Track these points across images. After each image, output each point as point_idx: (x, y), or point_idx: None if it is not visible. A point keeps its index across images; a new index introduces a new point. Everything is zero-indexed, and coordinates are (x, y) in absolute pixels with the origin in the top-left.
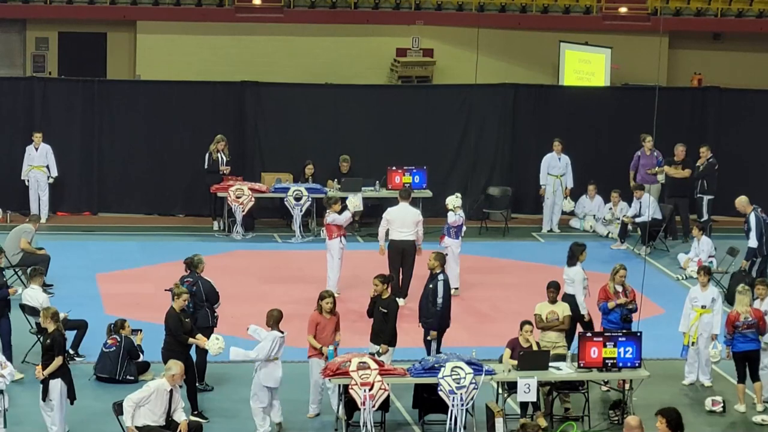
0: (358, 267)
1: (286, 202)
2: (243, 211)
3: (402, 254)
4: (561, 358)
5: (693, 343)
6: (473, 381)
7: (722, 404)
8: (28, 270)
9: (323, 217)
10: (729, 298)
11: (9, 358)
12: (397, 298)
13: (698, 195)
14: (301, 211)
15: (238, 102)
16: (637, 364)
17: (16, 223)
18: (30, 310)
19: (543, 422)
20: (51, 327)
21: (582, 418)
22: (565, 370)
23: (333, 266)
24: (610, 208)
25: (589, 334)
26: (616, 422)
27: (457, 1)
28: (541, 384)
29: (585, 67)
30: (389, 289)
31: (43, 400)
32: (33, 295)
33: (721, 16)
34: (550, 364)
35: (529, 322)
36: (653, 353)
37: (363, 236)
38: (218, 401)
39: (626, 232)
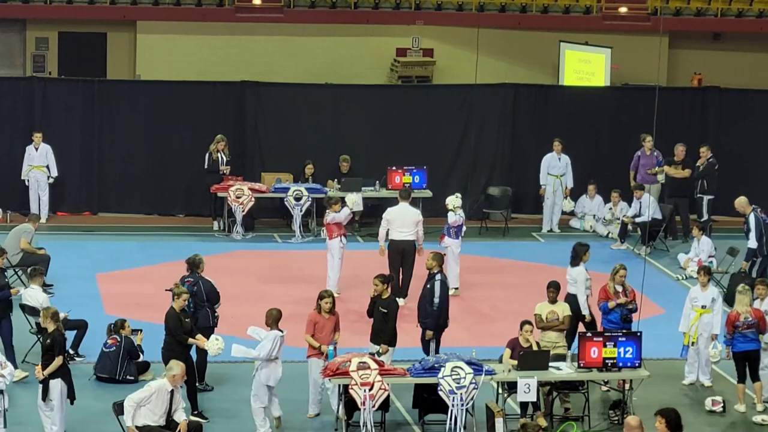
0: (358, 267)
1: (286, 202)
2: (243, 211)
3: (402, 254)
4: (561, 358)
5: (693, 343)
6: (473, 381)
7: (722, 404)
8: (28, 270)
9: (323, 217)
10: (728, 299)
11: (11, 359)
12: (397, 298)
13: (698, 195)
14: (301, 211)
15: (238, 102)
16: (637, 364)
17: (16, 223)
18: (30, 310)
19: (543, 422)
20: (51, 327)
21: (582, 418)
22: (565, 370)
23: (333, 266)
24: (610, 208)
25: (589, 334)
26: (616, 422)
27: (457, 1)
28: (541, 384)
29: (585, 67)
30: (389, 289)
31: (43, 400)
32: (33, 295)
33: (721, 16)
34: (550, 364)
35: (529, 322)
36: (653, 353)
37: (363, 236)
38: (218, 401)
39: (626, 232)
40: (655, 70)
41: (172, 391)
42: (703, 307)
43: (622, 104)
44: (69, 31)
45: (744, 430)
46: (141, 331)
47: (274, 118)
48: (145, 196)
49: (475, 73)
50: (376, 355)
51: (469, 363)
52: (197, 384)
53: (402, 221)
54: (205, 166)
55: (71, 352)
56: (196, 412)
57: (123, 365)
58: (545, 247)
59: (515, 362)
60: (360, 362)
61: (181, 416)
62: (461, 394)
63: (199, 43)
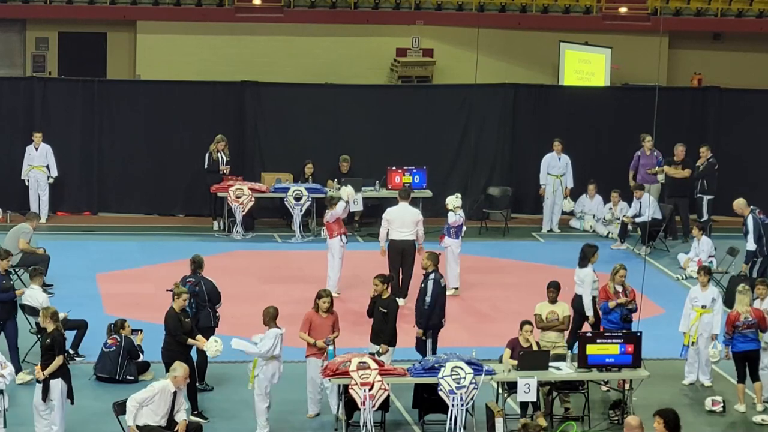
0: (358, 267)
1: (286, 202)
2: (243, 211)
3: (402, 254)
4: (561, 358)
5: (693, 343)
6: (473, 381)
7: (722, 404)
8: (29, 270)
9: (323, 216)
10: (728, 302)
11: (15, 360)
12: (397, 298)
13: (698, 195)
14: (301, 211)
15: (238, 102)
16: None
17: (16, 223)
18: (30, 310)
19: (543, 422)
20: (50, 327)
21: (582, 418)
22: (565, 370)
23: (333, 266)
24: (610, 208)
25: (589, 334)
26: (616, 422)
27: (457, 1)
28: (541, 384)
29: (585, 67)
30: (389, 289)
31: (44, 400)
32: (33, 295)
33: (721, 16)
34: (550, 364)
35: (529, 322)
36: (653, 353)
37: (363, 236)
38: (218, 401)
39: (626, 232)
40: (655, 70)
41: (174, 393)
42: (703, 307)
43: (622, 104)
44: (69, 31)
45: (744, 430)
46: (141, 331)
47: (274, 118)
48: (145, 196)
49: (475, 73)
50: (376, 355)
51: (469, 363)
52: (197, 384)
53: (402, 221)
54: (205, 166)
55: (71, 352)
56: (196, 412)
57: (123, 365)
58: (545, 247)
59: (515, 362)
60: (360, 362)
61: (181, 417)
62: (461, 394)
63: (199, 43)
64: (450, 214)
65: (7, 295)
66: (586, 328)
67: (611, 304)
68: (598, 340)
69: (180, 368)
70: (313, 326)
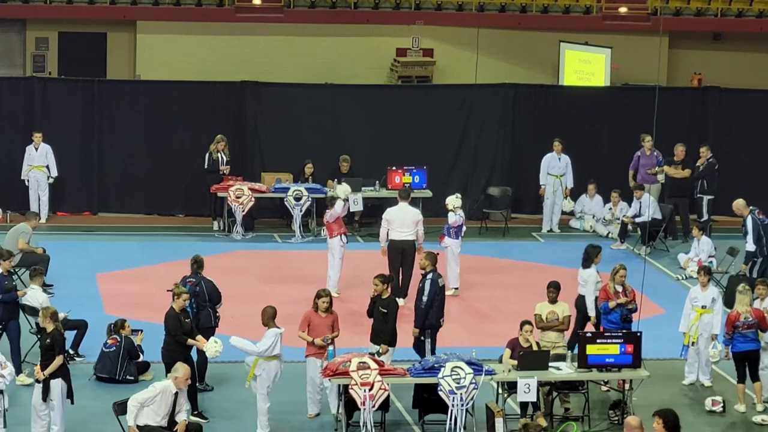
0: (358, 267)
1: (286, 202)
2: (243, 211)
3: (402, 254)
4: (561, 358)
5: (693, 343)
6: (473, 381)
7: (722, 404)
8: (29, 270)
9: (323, 216)
10: (727, 302)
11: (16, 361)
12: (397, 298)
13: (698, 195)
14: (301, 211)
15: (238, 102)
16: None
17: (16, 224)
18: (30, 310)
19: (543, 422)
20: (50, 327)
21: (582, 418)
22: (565, 370)
23: (334, 265)
24: (610, 208)
25: (589, 334)
26: (616, 422)
27: (457, 1)
28: (541, 384)
29: (585, 67)
30: (389, 289)
31: (44, 400)
32: (33, 295)
33: (721, 16)
34: (550, 364)
35: (529, 322)
36: (653, 353)
37: (363, 236)
38: (218, 401)
39: (626, 232)
40: (655, 70)
41: (176, 393)
42: (704, 307)
43: (622, 104)
44: (69, 31)
45: (744, 430)
46: (141, 331)
47: (274, 118)
48: (145, 196)
49: (475, 73)
50: (376, 355)
51: (469, 363)
52: (197, 384)
53: (402, 221)
54: (205, 166)
55: (71, 352)
56: (196, 412)
57: (123, 365)
58: (545, 247)
59: (515, 362)
60: (360, 362)
61: (181, 417)
62: (461, 394)
63: (199, 43)
64: (450, 214)
65: (10, 296)
66: (590, 328)
67: (611, 304)
68: (598, 340)
69: (181, 369)
70: (311, 325)
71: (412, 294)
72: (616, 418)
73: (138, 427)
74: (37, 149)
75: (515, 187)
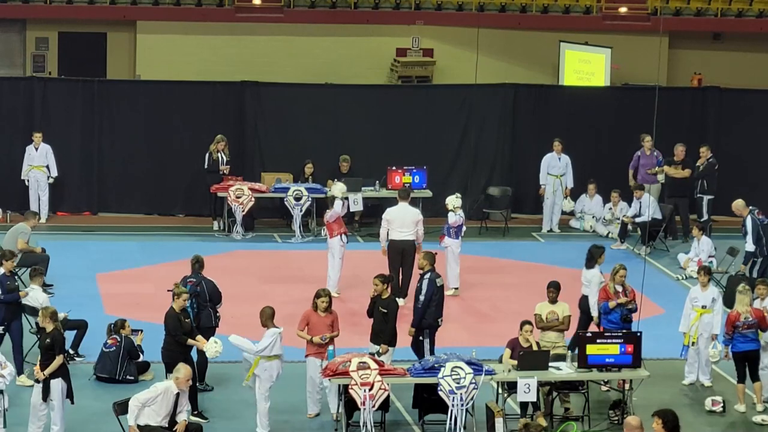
0: (358, 267)
1: (286, 202)
2: (243, 211)
3: (402, 254)
4: (561, 358)
5: (693, 343)
6: (473, 381)
7: (722, 404)
8: (28, 270)
9: (323, 216)
10: (726, 301)
11: (19, 362)
12: (397, 298)
13: (698, 195)
14: (301, 211)
15: (238, 102)
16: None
17: (16, 224)
18: (30, 310)
19: (543, 422)
20: (50, 326)
21: (582, 418)
22: (565, 370)
23: (334, 265)
24: (610, 208)
25: (589, 334)
26: (616, 422)
27: (457, 1)
28: (541, 384)
29: (585, 67)
30: (389, 289)
31: (44, 399)
32: (33, 295)
33: (721, 16)
34: (550, 364)
35: (529, 322)
36: (653, 353)
37: (363, 236)
38: (218, 401)
39: (626, 232)
40: (655, 70)
41: (177, 394)
42: (704, 307)
43: (622, 104)
44: (69, 31)
45: (744, 430)
46: (141, 331)
47: (274, 118)
48: (145, 196)
49: (475, 73)
50: (376, 355)
51: (469, 363)
52: (197, 384)
53: (401, 221)
54: (205, 166)
55: (71, 352)
56: (196, 412)
57: (123, 365)
58: (545, 247)
59: (515, 362)
60: (360, 362)
61: (181, 417)
62: (461, 394)
63: (199, 43)
64: (450, 214)
65: (12, 296)
66: (594, 329)
67: (611, 304)
68: (598, 340)
69: (183, 369)
70: (310, 324)
71: (412, 294)
72: (616, 418)
73: (138, 426)
74: (37, 149)
75: (515, 187)
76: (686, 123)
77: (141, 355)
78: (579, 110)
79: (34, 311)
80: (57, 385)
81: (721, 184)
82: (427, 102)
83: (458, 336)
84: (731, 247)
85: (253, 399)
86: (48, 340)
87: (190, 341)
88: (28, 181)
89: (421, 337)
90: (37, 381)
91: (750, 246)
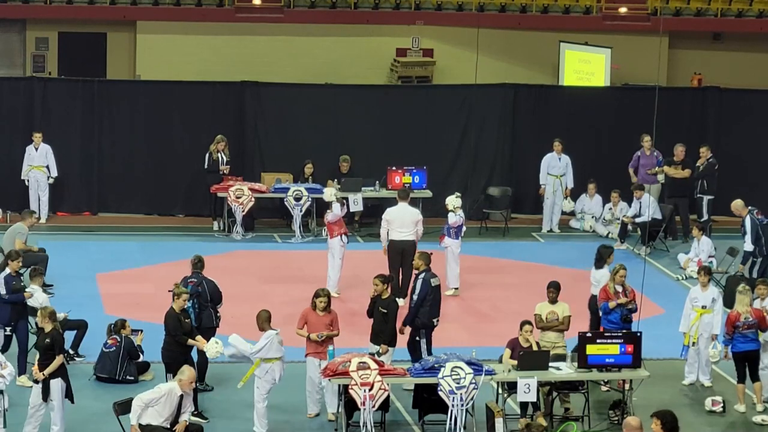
0: (358, 267)
1: (286, 202)
2: (243, 211)
3: (402, 254)
4: (561, 358)
5: (693, 343)
6: (473, 381)
7: (722, 404)
8: (28, 270)
9: (323, 216)
10: (726, 301)
11: (23, 363)
12: (396, 298)
13: (698, 195)
14: (301, 211)
15: (238, 102)
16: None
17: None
18: (31, 311)
19: (543, 422)
20: (49, 327)
21: (582, 418)
22: (565, 370)
23: (334, 265)
24: (610, 208)
25: (589, 335)
26: (616, 422)
27: (457, 1)
28: (541, 384)
29: (585, 67)
30: (389, 289)
31: (44, 400)
32: (33, 295)
33: (721, 16)
34: (550, 364)
35: (529, 322)
36: (653, 353)
37: (363, 236)
38: (218, 401)
39: (626, 232)
40: (655, 70)
41: (181, 396)
42: (704, 307)
43: (622, 104)
44: (69, 31)
45: (744, 430)
46: (141, 331)
47: (274, 118)
48: (145, 196)
49: (475, 73)
50: (376, 355)
51: (469, 363)
52: (197, 384)
53: (401, 221)
54: (205, 166)
55: (71, 352)
56: (196, 413)
57: (123, 365)
58: (545, 247)
59: (515, 362)
60: (360, 362)
61: (182, 418)
62: (461, 394)
63: (199, 43)
64: (450, 214)
65: (17, 297)
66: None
67: (611, 304)
68: (598, 340)
69: (187, 371)
70: (308, 323)
71: None
72: (616, 418)
73: (140, 426)
74: (37, 149)
75: (515, 187)
76: (686, 123)
77: (141, 356)
78: (579, 110)
79: (34, 311)
80: (56, 385)
81: (721, 184)
82: (427, 102)
83: (458, 336)
84: (731, 247)
85: (253, 399)
86: (48, 340)
87: (190, 341)
88: (28, 181)
89: (417, 338)
90: (36, 381)
91: (749, 246)
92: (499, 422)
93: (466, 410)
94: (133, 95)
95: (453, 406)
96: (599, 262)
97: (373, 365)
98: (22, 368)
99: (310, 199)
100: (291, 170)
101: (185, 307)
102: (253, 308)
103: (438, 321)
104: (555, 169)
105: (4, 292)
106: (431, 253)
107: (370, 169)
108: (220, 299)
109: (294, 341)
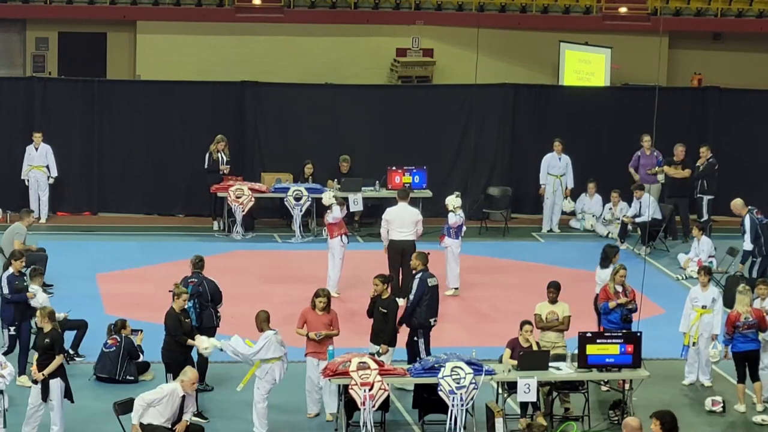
0: (358, 267)
1: (286, 202)
2: (243, 211)
3: (402, 254)
4: (561, 358)
5: (693, 343)
6: (473, 381)
7: (722, 404)
8: (27, 270)
9: (323, 216)
10: (725, 301)
11: (23, 363)
12: (397, 298)
13: (698, 195)
14: (301, 211)
15: (238, 102)
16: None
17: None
18: (31, 311)
19: (543, 422)
20: (48, 327)
21: (582, 418)
22: (565, 370)
23: (334, 266)
24: (610, 208)
25: (589, 334)
26: (616, 422)
27: (457, 1)
28: (541, 384)
29: (585, 67)
30: (389, 289)
31: (44, 399)
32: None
33: (721, 16)
34: (550, 364)
35: (529, 322)
36: (653, 353)
37: (363, 236)
38: (218, 401)
39: (626, 232)
40: (655, 70)
41: (183, 397)
42: (704, 307)
43: (622, 104)
44: (69, 31)
45: (744, 430)
46: (141, 331)
47: (274, 118)
48: (145, 196)
49: (475, 73)
50: (376, 355)
51: (469, 363)
52: (197, 384)
53: (401, 221)
54: (205, 166)
55: (71, 352)
56: (196, 413)
57: (123, 365)
58: (545, 247)
59: (515, 362)
60: (360, 362)
61: (184, 417)
62: (461, 394)
63: (199, 43)
64: (450, 214)
65: (20, 296)
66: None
67: (611, 304)
68: (598, 340)
69: (189, 372)
70: (307, 323)
71: None
72: (616, 418)
73: (141, 425)
74: (37, 149)
75: (515, 187)
76: (686, 123)
77: (141, 355)
78: (579, 110)
79: (34, 311)
80: (56, 385)
81: (721, 184)
82: (427, 102)
83: (458, 336)
84: (731, 247)
85: (253, 399)
86: (47, 340)
87: (189, 341)
88: (28, 181)
89: (415, 338)
90: (35, 381)
91: (748, 245)
92: (499, 422)
93: (466, 410)
94: (133, 95)
95: (453, 406)
96: (605, 262)
97: (373, 365)
98: (22, 368)
99: (310, 199)
100: (291, 170)
101: (185, 307)
102: (253, 308)
103: (435, 321)
104: (555, 169)
105: (7, 291)
106: (428, 253)
107: (370, 169)
108: (221, 299)
109: (294, 341)
